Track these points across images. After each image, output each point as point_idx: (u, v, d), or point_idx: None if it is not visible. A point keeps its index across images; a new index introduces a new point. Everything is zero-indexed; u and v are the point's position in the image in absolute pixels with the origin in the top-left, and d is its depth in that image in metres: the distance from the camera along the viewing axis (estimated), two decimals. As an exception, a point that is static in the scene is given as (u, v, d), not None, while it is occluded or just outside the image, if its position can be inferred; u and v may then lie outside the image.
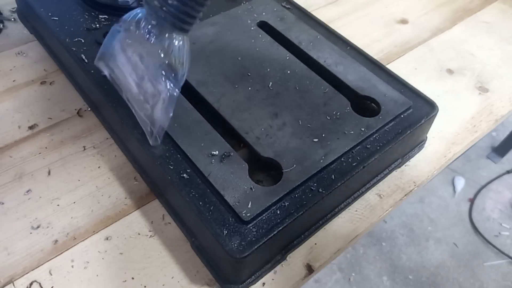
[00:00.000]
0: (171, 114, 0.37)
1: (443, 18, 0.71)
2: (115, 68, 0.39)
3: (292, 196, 0.38)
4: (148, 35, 0.34)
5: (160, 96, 0.36)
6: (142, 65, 0.36)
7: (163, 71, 0.35)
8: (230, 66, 0.48)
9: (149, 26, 0.34)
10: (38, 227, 0.42)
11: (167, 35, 0.34)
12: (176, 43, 0.35)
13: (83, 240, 0.42)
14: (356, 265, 1.34)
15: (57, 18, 0.53)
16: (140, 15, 0.35)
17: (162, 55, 0.34)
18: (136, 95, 0.38)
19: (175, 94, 0.36)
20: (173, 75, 0.35)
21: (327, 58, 0.50)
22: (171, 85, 0.35)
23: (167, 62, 0.34)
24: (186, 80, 0.46)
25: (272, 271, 0.40)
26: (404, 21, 0.69)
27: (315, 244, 0.43)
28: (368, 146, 0.43)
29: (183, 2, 0.32)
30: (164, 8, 0.32)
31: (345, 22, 0.68)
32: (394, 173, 0.49)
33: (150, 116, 0.38)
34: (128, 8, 0.53)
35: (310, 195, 0.39)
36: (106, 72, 0.40)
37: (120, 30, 0.36)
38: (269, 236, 0.36)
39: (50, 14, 0.53)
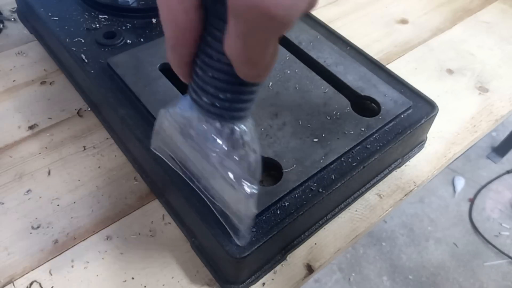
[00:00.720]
0: (255, 211, 0.31)
1: (443, 18, 0.71)
2: (176, 157, 0.34)
3: (292, 196, 0.38)
4: (205, 133, 0.27)
5: (237, 196, 0.30)
6: (209, 163, 0.30)
7: (230, 173, 0.29)
8: (230, 66, 0.48)
9: (204, 123, 0.27)
10: (38, 227, 0.42)
11: (227, 128, 0.27)
12: (243, 129, 0.28)
13: (83, 240, 0.42)
14: (356, 265, 1.34)
15: (57, 18, 0.53)
16: (189, 112, 0.28)
17: (228, 152, 0.28)
18: (210, 190, 0.34)
19: (254, 191, 0.29)
20: (246, 168, 0.29)
21: (327, 58, 0.50)
22: (248, 183, 0.29)
23: (236, 157, 0.28)
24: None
25: (272, 271, 0.40)
26: (404, 21, 0.70)
27: (315, 244, 0.43)
28: (368, 146, 0.43)
29: (239, 91, 0.25)
30: (217, 104, 0.25)
31: (345, 22, 0.68)
32: (394, 173, 0.49)
33: (231, 213, 0.33)
34: (128, 9, 0.53)
35: (310, 195, 0.39)
36: (166, 159, 0.35)
37: (170, 117, 0.30)
38: (269, 236, 0.36)
39: (50, 14, 0.53)
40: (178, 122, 0.29)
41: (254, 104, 0.27)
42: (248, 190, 0.29)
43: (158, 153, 0.36)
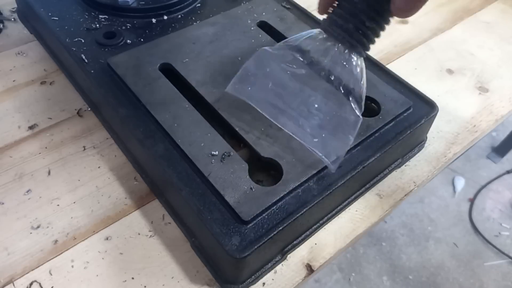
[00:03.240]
0: (352, 139, 0.36)
1: (443, 18, 0.71)
2: (265, 94, 0.37)
3: (292, 196, 0.38)
4: (330, 59, 0.32)
5: (340, 120, 0.35)
6: (323, 93, 0.34)
7: (350, 97, 0.34)
8: (230, 66, 0.48)
9: (332, 50, 0.32)
10: (38, 227, 0.42)
11: (354, 57, 0.33)
12: (360, 64, 0.33)
13: (83, 240, 0.42)
14: (356, 265, 1.34)
15: (57, 18, 0.53)
16: (311, 41, 0.33)
17: (351, 80, 0.33)
18: (304, 121, 0.37)
19: (361, 118, 0.35)
20: (356, 99, 0.34)
21: (327, 58, 0.50)
22: (357, 109, 0.34)
23: (352, 87, 0.33)
24: (186, 80, 0.46)
25: (272, 271, 0.40)
26: (404, 21, 0.69)
27: (315, 244, 0.43)
28: (368, 146, 0.43)
29: (379, 23, 0.31)
30: (360, 31, 0.31)
31: (345, 22, 0.68)
32: (394, 173, 0.49)
33: (325, 141, 0.37)
34: (128, 9, 0.53)
35: (310, 195, 0.39)
36: (244, 98, 0.38)
37: (274, 54, 0.35)
38: (269, 236, 0.36)
39: (50, 14, 0.53)
40: (287, 57, 0.34)
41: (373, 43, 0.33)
42: (358, 113, 0.34)
43: (235, 94, 0.38)
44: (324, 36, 0.32)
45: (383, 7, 0.30)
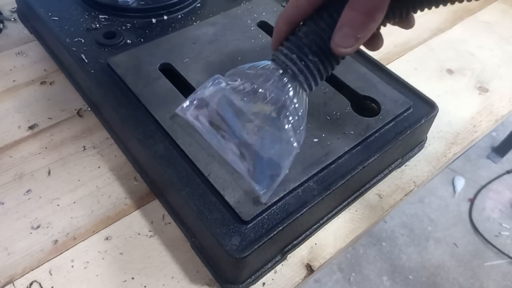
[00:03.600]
0: (286, 170, 0.36)
1: (443, 18, 0.71)
2: (211, 119, 0.37)
3: (292, 196, 0.38)
4: (276, 91, 0.33)
5: (277, 150, 0.36)
6: (262, 120, 0.35)
7: (288, 127, 0.34)
8: (230, 66, 0.48)
9: (278, 82, 0.33)
10: (38, 227, 0.42)
11: (297, 88, 0.33)
12: (305, 98, 0.34)
13: (83, 240, 0.42)
14: (356, 265, 1.34)
15: (57, 18, 0.53)
16: (258, 71, 0.34)
17: (292, 110, 0.34)
18: (243, 150, 0.37)
19: (298, 151, 0.35)
20: (298, 131, 0.35)
21: (327, 58, 0.50)
22: (294, 140, 0.35)
23: (296, 118, 0.34)
24: (186, 80, 0.46)
25: (272, 271, 0.40)
26: (404, 21, 0.69)
27: (315, 244, 0.43)
28: (368, 146, 0.43)
29: (321, 59, 0.32)
30: (303, 62, 0.32)
31: (345, 22, 0.68)
32: (394, 173, 0.49)
33: (260, 171, 0.37)
34: (128, 9, 0.53)
35: (310, 195, 0.39)
36: (191, 120, 0.38)
37: (225, 83, 0.36)
38: (269, 236, 0.36)
39: (50, 14, 0.53)
40: (232, 86, 0.36)
41: (319, 83, 0.34)
42: (295, 144, 0.34)
43: (184, 116, 0.38)
44: (273, 66, 0.34)
45: (326, 44, 0.31)
